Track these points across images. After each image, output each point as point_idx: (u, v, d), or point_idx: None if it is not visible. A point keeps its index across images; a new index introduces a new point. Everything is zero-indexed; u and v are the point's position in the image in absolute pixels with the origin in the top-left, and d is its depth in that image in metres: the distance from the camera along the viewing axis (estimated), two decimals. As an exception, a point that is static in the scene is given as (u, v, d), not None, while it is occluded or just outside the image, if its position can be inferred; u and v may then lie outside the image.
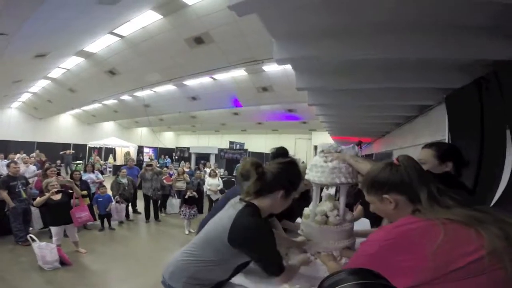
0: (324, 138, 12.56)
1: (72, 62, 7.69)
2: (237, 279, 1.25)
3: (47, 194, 3.48)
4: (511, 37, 1.51)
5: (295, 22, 1.94)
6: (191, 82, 8.44)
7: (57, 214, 3.54)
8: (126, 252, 4.17)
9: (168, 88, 9.16)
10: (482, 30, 1.59)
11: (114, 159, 15.12)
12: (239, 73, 7.21)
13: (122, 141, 15.53)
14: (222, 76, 7.61)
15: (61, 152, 13.45)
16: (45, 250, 3.28)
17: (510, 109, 1.76)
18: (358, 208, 2.39)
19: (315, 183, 1.43)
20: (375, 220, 2.15)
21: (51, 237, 3.67)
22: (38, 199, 3.56)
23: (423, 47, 1.88)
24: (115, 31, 5.67)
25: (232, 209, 1.10)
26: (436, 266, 0.63)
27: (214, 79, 7.88)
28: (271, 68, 6.52)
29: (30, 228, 4.28)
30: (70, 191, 3.80)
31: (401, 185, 0.83)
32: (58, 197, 3.56)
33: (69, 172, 6.85)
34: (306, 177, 1.46)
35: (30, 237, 3.42)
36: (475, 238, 0.64)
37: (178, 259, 1.17)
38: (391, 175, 0.86)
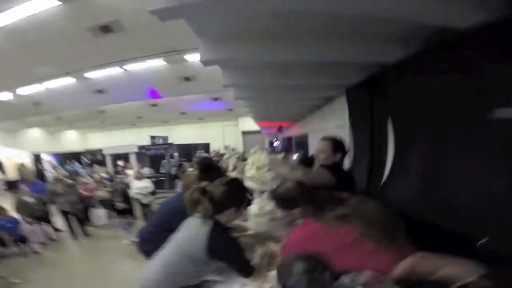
0: (251, 124, 13.10)
1: None
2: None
3: None
4: (392, 43, 1.94)
5: (224, 26, 1.96)
6: (95, 75, 7.24)
7: None
8: (68, 274, 3.74)
9: (65, 81, 7.59)
10: (376, 37, 1.96)
11: (3, 172, 11.81)
12: (157, 63, 6.59)
13: (8, 149, 12.15)
14: (136, 67, 6.80)
15: None
16: None
17: (391, 104, 2.31)
18: None
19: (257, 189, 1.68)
20: None
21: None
22: None
23: (325, 51, 2.21)
24: None
25: (204, 228, 1.27)
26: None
27: (125, 69, 6.98)
28: (195, 58, 6.22)
29: None
30: None
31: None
32: None
33: None
34: (248, 184, 1.65)
35: None
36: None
37: (159, 274, 1.30)
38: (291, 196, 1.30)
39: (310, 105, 4.94)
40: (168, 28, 4.51)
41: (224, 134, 19.23)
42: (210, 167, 2.01)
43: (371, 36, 1.90)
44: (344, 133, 3.53)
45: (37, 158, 13.50)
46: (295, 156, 7.26)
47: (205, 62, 2.28)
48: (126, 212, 5.26)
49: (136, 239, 2.08)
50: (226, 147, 18.67)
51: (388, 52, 1.94)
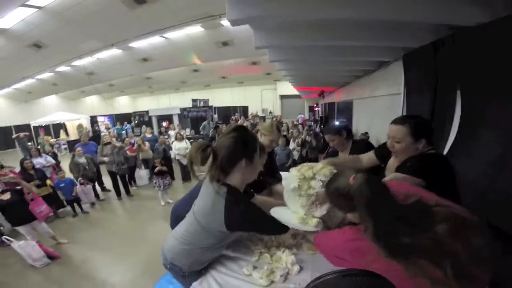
0: (289, 88, 12.58)
1: None
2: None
3: None
4: (470, 5, 1.54)
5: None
6: (138, 44, 7.45)
7: (15, 214, 3.29)
8: (107, 234, 4.15)
9: (112, 52, 8.02)
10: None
11: (67, 134, 13.71)
12: (195, 30, 6.46)
13: (70, 114, 13.82)
14: (175, 34, 6.78)
15: (14, 136, 11.75)
16: (27, 248, 3.15)
17: (462, 70, 1.91)
18: None
19: None
20: None
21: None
22: None
23: (389, 8, 1.84)
24: (29, 2, 4.60)
25: (217, 196, 1.10)
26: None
27: (166, 38, 7.02)
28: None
29: (1, 228, 3.94)
30: (18, 187, 3.45)
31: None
32: (7, 196, 3.25)
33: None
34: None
35: (6, 239, 3.23)
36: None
37: (176, 246, 1.22)
38: (345, 189, 0.88)
39: (357, 70, 4.43)
40: None
41: (262, 97, 19.01)
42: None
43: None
44: (398, 103, 3.15)
45: (93, 120, 15.14)
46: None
47: (233, 22, 2.08)
48: (165, 173, 5.20)
49: (171, 215, 2.00)
50: (263, 110, 18.64)
51: (467, 14, 1.53)
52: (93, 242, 3.90)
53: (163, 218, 4.65)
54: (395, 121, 1.35)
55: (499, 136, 1.60)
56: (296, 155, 5.14)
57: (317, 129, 9.30)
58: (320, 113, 14.03)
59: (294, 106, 17.52)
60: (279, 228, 1.19)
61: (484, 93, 1.73)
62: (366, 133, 4.73)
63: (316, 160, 5.10)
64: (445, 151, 2.22)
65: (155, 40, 7.12)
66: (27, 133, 11.43)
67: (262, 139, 1.97)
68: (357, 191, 0.83)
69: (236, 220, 1.09)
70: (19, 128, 13.29)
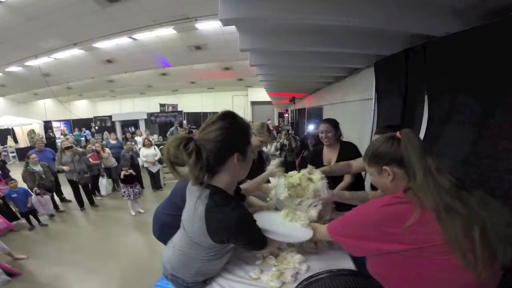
0: (260, 94, 12.76)
1: None
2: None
3: None
4: (443, 16, 1.72)
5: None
6: (103, 45, 6.97)
7: None
8: (72, 248, 3.73)
9: (73, 52, 7.39)
10: (427, 6, 1.74)
11: (15, 141, 12.15)
12: (166, 32, 6.25)
13: (20, 118, 12.35)
14: (144, 36, 6.48)
15: None
16: None
17: (430, 76, 2.13)
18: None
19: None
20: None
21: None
22: None
23: (365, 18, 1.97)
24: None
25: (200, 204, 0.94)
26: (408, 241, 0.78)
27: (134, 39, 6.67)
28: (205, 26, 5.85)
29: None
30: None
31: (400, 159, 0.87)
32: None
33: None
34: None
35: None
36: (437, 227, 0.75)
37: (173, 257, 1.11)
38: (392, 148, 0.89)
39: (329, 76, 4.68)
40: None
41: (233, 103, 19.00)
42: None
43: (422, 4, 1.67)
44: (369, 107, 3.38)
45: (47, 125, 13.75)
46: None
47: (225, 21, 2.07)
48: (133, 180, 4.90)
49: (153, 222, 1.84)
50: (234, 117, 18.60)
51: (440, 24, 1.72)
52: (56, 256, 3.51)
53: (134, 229, 4.35)
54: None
55: (464, 134, 1.80)
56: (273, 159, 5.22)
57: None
58: (289, 118, 14.47)
59: (264, 112, 17.83)
60: (260, 242, 1.03)
61: (449, 96, 1.94)
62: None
63: (294, 163, 5.22)
64: None
65: (122, 40, 6.73)
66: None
67: (252, 139, 1.96)
68: (408, 142, 0.85)
69: (217, 229, 0.91)
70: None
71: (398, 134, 0.91)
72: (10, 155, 10.88)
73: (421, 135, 2.37)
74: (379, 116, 3.20)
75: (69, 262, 3.32)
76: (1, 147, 10.91)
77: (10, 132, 12.18)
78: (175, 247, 1.11)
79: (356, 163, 1.80)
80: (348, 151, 2.22)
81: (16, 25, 5.26)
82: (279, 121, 16.54)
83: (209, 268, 1.10)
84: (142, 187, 5.64)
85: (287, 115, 15.11)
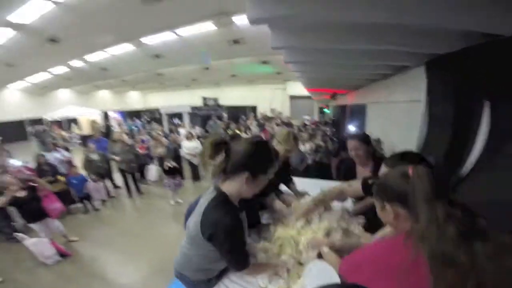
0: (299, 89, 12.39)
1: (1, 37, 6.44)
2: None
3: (6, 195, 3.18)
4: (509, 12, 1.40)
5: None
6: (151, 41, 7.47)
7: (28, 212, 3.32)
8: (117, 233, 4.17)
9: (126, 48, 8.09)
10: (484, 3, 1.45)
11: (80, 129, 13.93)
12: (207, 27, 6.41)
13: (83, 108, 14.06)
14: (187, 32, 6.75)
15: (32, 129, 12.05)
16: (40, 246, 3.20)
17: (493, 80, 1.77)
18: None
19: None
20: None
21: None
22: (0, 199, 3.22)
23: (417, 13, 1.71)
24: None
25: (204, 202, 1.08)
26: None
27: (178, 35, 7.00)
28: (242, 21, 5.85)
29: (13, 223, 4.05)
30: (33, 184, 3.48)
31: (405, 199, 0.78)
32: (22, 193, 3.28)
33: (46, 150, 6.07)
34: None
35: (18, 235, 3.27)
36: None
37: (181, 254, 1.20)
38: (399, 185, 0.81)
39: (374, 74, 4.26)
40: None
41: (272, 97, 18.85)
42: None
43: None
44: (417, 110, 2.99)
45: (105, 115, 15.44)
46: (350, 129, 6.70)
47: (253, 21, 1.98)
48: (176, 172, 5.25)
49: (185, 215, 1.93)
50: (272, 110, 18.49)
51: (506, 22, 1.39)
52: (103, 240, 3.95)
53: (172, 218, 4.65)
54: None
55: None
56: (309, 159, 5.02)
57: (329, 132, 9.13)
58: (331, 116, 13.81)
59: (303, 107, 17.31)
60: (240, 261, 1.09)
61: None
62: (379, 139, 4.56)
63: (329, 166, 4.96)
64: (469, 164, 2.07)
65: (168, 36, 7.10)
66: (46, 127, 11.70)
67: (277, 147, 1.87)
68: (418, 181, 0.76)
69: (207, 224, 1.02)
70: (33, 121, 13.59)
71: (410, 170, 0.80)
72: (75, 141, 12.49)
73: (477, 148, 2.02)
74: (431, 121, 2.81)
75: (113, 246, 3.72)
76: (68, 134, 12.64)
77: (74, 121, 14.01)
78: (182, 246, 1.20)
79: (352, 188, 1.53)
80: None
81: (74, 24, 5.88)
82: (319, 117, 15.89)
83: (209, 267, 1.16)
84: (183, 178, 6.01)
85: (327, 110, 14.45)
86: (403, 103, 3.67)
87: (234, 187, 1.07)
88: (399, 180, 0.81)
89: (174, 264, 1.24)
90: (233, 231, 1.01)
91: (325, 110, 15.07)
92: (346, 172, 2.16)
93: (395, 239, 0.81)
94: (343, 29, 2.36)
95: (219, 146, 1.05)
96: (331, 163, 4.98)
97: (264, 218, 1.79)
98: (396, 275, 0.74)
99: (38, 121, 13.30)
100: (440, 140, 2.48)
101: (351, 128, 6.63)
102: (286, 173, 2.07)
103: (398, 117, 3.96)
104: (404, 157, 1.32)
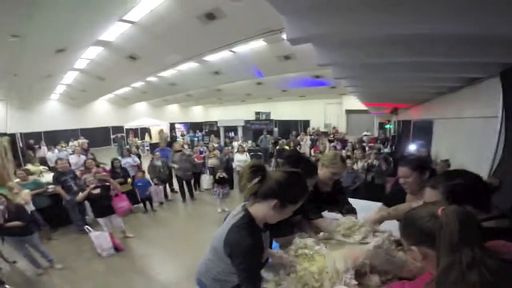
0: (356, 103, 11.72)
1: (93, 53, 7.98)
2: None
3: (86, 190, 3.79)
4: None
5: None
6: (211, 58, 8.27)
7: (99, 207, 3.86)
8: (167, 234, 4.56)
9: (190, 65, 9.15)
10: None
11: (150, 137, 15.98)
12: (258, 44, 6.78)
13: (154, 119, 16.17)
14: (241, 49, 7.27)
15: (113, 136, 14.58)
16: (101, 238, 3.68)
17: None
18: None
19: None
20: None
21: (103, 225, 4.08)
22: (80, 194, 3.84)
23: (481, 21, 1.50)
24: (125, 17, 5.64)
25: (232, 220, 1.14)
26: None
27: (234, 52, 7.56)
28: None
29: (86, 217, 4.77)
30: (107, 183, 4.06)
31: (433, 240, 0.72)
32: (97, 191, 3.84)
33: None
34: None
35: (87, 228, 3.83)
36: None
37: (203, 262, 1.28)
38: (426, 226, 0.75)
39: (440, 86, 3.77)
40: (263, 8, 4.50)
41: (325, 111, 18.27)
42: (298, 162, 1.67)
43: None
44: (493, 127, 2.52)
45: (172, 126, 17.25)
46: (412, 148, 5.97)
47: (293, 41, 2.03)
48: (225, 182, 5.52)
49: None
50: (326, 125, 17.83)
51: None
52: (153, 239, 4.33)
53: (216, 224, 4.86)
54: (428, 183, 1.14)
55: None
56: (359, 180, 4.65)
57: (387, 150, 8.28)
58: (392, 131, 12.56)
59: (361, 122, 16.21)
60: (252, 285, 1.07)
61: None
62: (447, 160, 3.93)
63: (383, 186, 4.49)
64: None
65: (225, 54, 7.75)
66: (124, 134, 13.85)
67: (323, 171, 1.82)
68: (445, 225, 0.70)
69: (228, 240, 1.07)
70: (116, 129, 16.23)
71: (439, 211, 0.73)
72: (146, 148, 14.37)
73: None
74: (509, 141, 2.33)
75: (160, 246, 4.07)
76: (140, 141, 14.62)
77: (147, 130, 16.18)
78: (206, 253, 1.27)
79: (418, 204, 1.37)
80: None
81: (147, 43, 6.92)
82: (379, 133, 14.58)
83: (226, 279, 1.19)
84: (232, 188, 6.28)
85: (389, 126, 13.20)
86: (476, 119, 3.14)
87: (261, 211, 1.11)
88: (427, 220, 0.75)
89: (196, 269, 1.32)
90: (251, 253, 1.04)
91: (386, 125, 13.79)
92: (393, 200, 1.85)
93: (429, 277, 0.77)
94: (388, 42, 2.20)
95: (256, 170, 1.11)
96: (384, 184, 4.49)
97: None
98: None
99: (120, 129, 15.85)
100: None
101: (413, 146, 5.90)
102: (335, 198, 1.98)
103: (469, 136, 3.39)
104: (449, 177, 1.08)
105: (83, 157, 6.56)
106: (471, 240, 0.67)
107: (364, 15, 1.73)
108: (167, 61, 8.19)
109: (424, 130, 5.98)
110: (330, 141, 10.52)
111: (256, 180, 1.09)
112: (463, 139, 3.64)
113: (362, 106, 11.83)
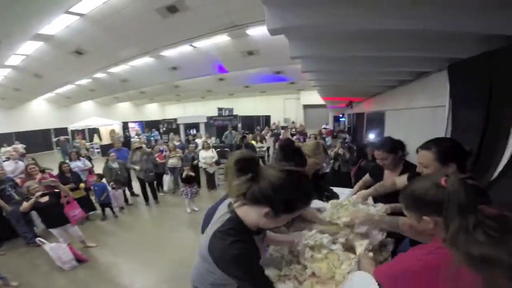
0: (313, 98, 12.39)
1: (30, 47, 7.00)
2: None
3: (31, 200, 3.26)
4: None
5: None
6: (169, 53, 7.82)
7: (50, 216, 3.41)
8: (133, 239, 4.21)
9: (145, 60, 8.53)
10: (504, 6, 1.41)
11: (100, 139, 14.52)
12: (222, 39, 6.63)
13: (104, 119, 14.71)
14: (203, 44, 7.01)
15: (55, 139, 12.80)
16: (58, 250, 3.26)
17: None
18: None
19: None
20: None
21: (58, 236, 3.62)
22: (24, 204, 3.29)
23: (436, 19, 1.68)
24: (72, 10, 5.02)
25: (217, 222, 0.98)
26: None
27: (194, 47, 7.26)
28: (256, 32, 6.00)
29: (35, 228, 4.21)
30: (57, 190, 3.60)
31: (441, 208, 0.80)
32: (45, 199, 3.38)
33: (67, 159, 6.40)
34: None
35: (39, 240, 3.36)
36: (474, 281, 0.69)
37: (195, 268, 1.15)
38: (434, 196, 0.83)
39: (392, 80, 4.18)
40: (228, 3, 4.41)
41: (285, 107, 18.91)
42: (295, 153, 1.62)
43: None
44: (441, 116, 2.89)
45: (125, 126, 15.99)
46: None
47: (273, 31, 2.01)
48: (192, 181, 5.32)
49: (203, 221, 1.89)
50: (286, 120, 18.48)
51: None
52: (119, 246, 3.99)
53: (187, 226, 4.67)
54: (421, 146, 1.38)
55: None
56: (327, 168, 4.93)
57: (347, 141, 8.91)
58: (346, 123, 13.59)
59: (317, 116, 17.19)
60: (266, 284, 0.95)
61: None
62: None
63: (348, 174, 4.84)
64: (496, 173, 1.95)
65: (184, 49, 7.39)
66: (68, 137, 12.27)
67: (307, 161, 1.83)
68: (452, 194, 0.78)
69: (213, 254, 0.91)
70: (58, 131, 14.35)
71: (443, 181, 0.83)
72: (96, 150, 13.03)
73: (507, 154, 1.90)
74: (456, 127, 2.69)
75: (129, 253, 3.75)
76: (90, 143, 13.19)
77: (96, 131, 14.64)
78: (196, 261, 1.13)
79: (400, 180, 1.62)
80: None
81: (97, 37, 6.28)
82: (334, 126, 15.67)
83: (224, 283, 1.06)
84: (199, 186, 6.05)
85: (343, 119, 14.25)
86: (425, 109, 3.55)
87: (251, 216, 0.94)
88: (433, 191, 0.83)
89: (191, 277, 1.20)
90: (240, 263, 0.88)
91: (341, 118, 14.87)
92: (373, 174, 2.16)
93: (435, 245, 0.84)
94: (359, 37, 2.35)
95: (246, 166, 0.90)
96: (350, 171, 4.85)
97: None
98: (442, 284, 0.76)
99: (63, 131, 14.03)
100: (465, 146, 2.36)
101: (371, 136, 6.47)
102: (316, 186, 2.03)
103: (420, 124, 3.82)
104: (439, 141, 1.39)
105: (21, 163, 5.70)
106: (474, 204, 0.75)
107: (339, 9, 1.81)
108: (119, 56, 7.50)
109: (377, 121, 6.59)
110: (292, 135, 10.91)
111: (245, 179, 0.90)
112: (414, 127, 4.09)
113: (318, 101, 12.54)
